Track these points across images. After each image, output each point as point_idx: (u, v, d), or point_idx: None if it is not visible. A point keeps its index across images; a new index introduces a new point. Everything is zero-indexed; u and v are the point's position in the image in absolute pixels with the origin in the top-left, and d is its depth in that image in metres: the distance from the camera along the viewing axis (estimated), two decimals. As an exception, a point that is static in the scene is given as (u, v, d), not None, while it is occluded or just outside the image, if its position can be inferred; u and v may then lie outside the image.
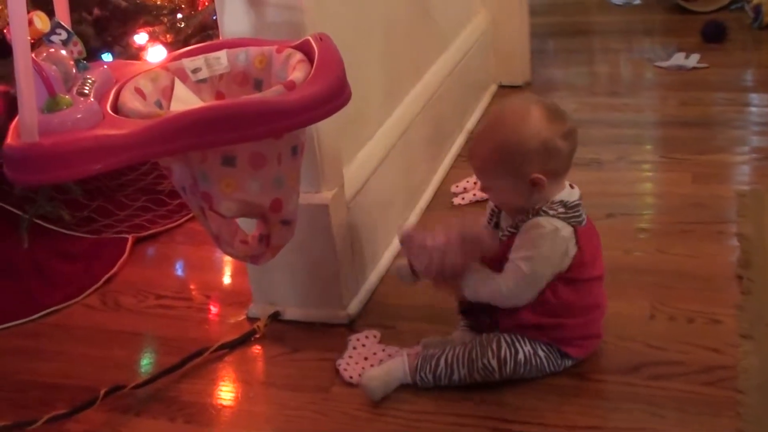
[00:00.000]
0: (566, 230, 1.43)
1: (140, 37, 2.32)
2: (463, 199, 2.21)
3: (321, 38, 1.41)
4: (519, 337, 1.49)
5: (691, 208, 2.04)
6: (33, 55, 1.14)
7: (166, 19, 2.36)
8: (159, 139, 1.18)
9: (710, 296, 1.69)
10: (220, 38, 1.62)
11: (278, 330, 1.75)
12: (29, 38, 1.13)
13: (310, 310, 1.76)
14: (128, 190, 2.38)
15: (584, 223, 1.46)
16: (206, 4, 2.41)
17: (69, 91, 1.24)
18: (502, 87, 3.05)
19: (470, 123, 2.68)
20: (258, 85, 1.46)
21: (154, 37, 2.32)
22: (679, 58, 3.09)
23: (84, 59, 1.38)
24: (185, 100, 1.39)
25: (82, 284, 2.02)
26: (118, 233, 2.22)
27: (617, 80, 3.18)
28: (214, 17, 2.14)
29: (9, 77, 1.86)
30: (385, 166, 1.93)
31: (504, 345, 1.49)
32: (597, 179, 2.24)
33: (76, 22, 2.07)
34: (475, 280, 1.48)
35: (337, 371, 1.59)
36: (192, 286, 2.02)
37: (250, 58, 1.46)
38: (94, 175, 1.18)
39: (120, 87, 1.32)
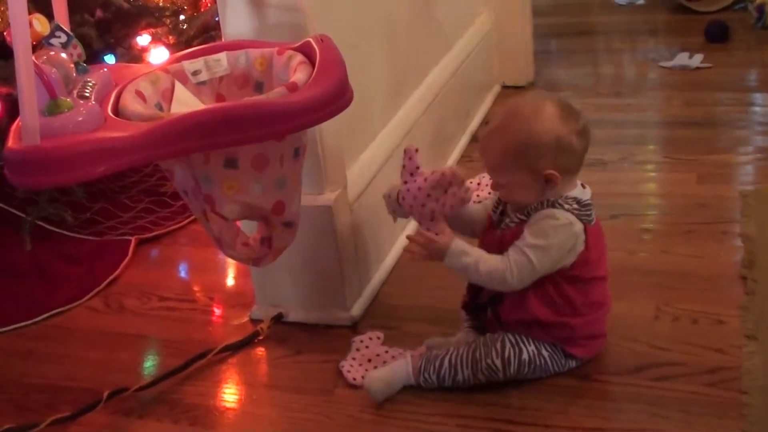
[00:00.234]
0: (578, 226, 1.43)
1: (143, 39, 2.33)
2: (466, 199, 2.20)
3: (322, 40, 1.41)
4: (523, 337, 1.49)
5: (695, 209, 2.03)
6: (33, 57, 1.13)
7: (168, 21, 2.36)
8: (162, 142, 1.18)
9: (714, 297, 1.69)
10: (222, 40, 1.62)
11: (281, 332, 1.75)
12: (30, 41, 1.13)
13: (314, 311, 1.76)
14: (131, 192, 2.38)
15: (594, 223, 1.46)
16: (208, 5, 2.42)
17: (69, 94, 1.23)
18: (505, 88, 3.05)
19: (473, 124, 2.67)
20: (259, 87, 1.46)
21: (156, 39, 2.32)
22: (682, 58, 3.09)
23: (84, 62, 1.37)
24: (185, 103, 1.39)
25: (85, 286, 2.02)
26: (121, 235, 2.22)
27: (621, 80, 3.17)
28: (217, 18, 2.14)
29: (10, 79, 1.87)
30: (389, 168, 1.93)
31: (508, 345, 1.48)
32: (601, 180, 2.23)
33: (78, 24, 2.09)
34: (478, 254, 1.46)
35: (340, 373, 1.59)
36: (195, 288, 2.01)
37: (251, 60, 1.46)
38: (96, 178, 1.18)
39: (120, 90, 1.32)
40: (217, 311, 1.90)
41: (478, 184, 2.23)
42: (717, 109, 2.67)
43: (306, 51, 1.41)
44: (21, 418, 1.58)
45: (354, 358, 1.62)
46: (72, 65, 1.30)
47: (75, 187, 2.23)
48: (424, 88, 2.27)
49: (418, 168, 1.49)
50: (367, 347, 1.65)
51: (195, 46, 1.57)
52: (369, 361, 1.61)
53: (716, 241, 1.89)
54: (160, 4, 2.37)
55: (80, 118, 1.16)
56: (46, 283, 2.05)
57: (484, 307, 1.56)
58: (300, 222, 1.49)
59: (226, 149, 1.28)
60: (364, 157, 1.85)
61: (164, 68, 1.43)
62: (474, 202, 2.14)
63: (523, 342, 1.48)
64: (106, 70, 1.37)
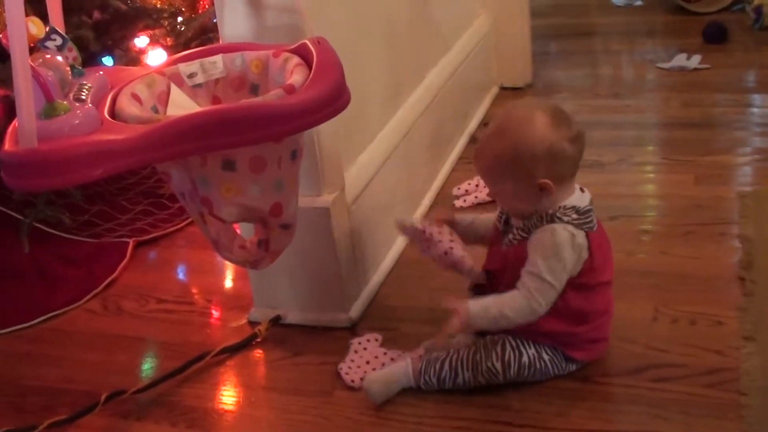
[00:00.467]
0: (580, 236, 1.42)
1: (141, 41, 2.32)
2: (464, 201, 2.20)
3: (318, 41, 1.41)
4: (523, 340, 1.48)
5: (693, 210, 2.03)
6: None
7: (166, 23, 2.36)
8: (159, 144, 1.18)
9: (712, 298, 1.69)
10: (220, 41, 1.62)
11: (280, 334, 1.75)
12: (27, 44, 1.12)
13: (312, 313, 1.76)
14: (129, 194, 2.38)
15: (595, 228, 1.45)
16: (206, 7, 2.41)
17: (66, 97, 1.23)
18: (503, 89, 3.05)
19: (472, 125, 2.67)
20: (254, 90, 1.46)
21: (154, 41, 2.32)
22: (680, 60, 3.09)
23: (79, 65, 1.37)
24: (181, 105, 1.39)
25: (83, 288, 2.02)
26: (119, 237, 2.22)
27: (619, 82, 3.17)
28: (215, 20, 2.14)
29: (6, 82, 1.87)
30: (387, 169, 1.93)
31: (508, 348, 1.48)
32: (599, 181, 2.23)
33: (75, 25, 2.09)
34: (497, 303, 1.44)
35: (338, 375, 1.59)
36: (193, 290, 2.01)
37: (247, 63, 1.46)
38: (93, 181, 1.18)
39: (116, 93, 1.32)
40: (215, 313, 1.90)
41: (477, 186, 2.23)
42: (715, 111, 2.67)
43: (302, 53, 1.41)
44: (18, 420, 1.57)
45: (352, 360, 1.62)
46: (68, 68, 1.29)
47: (73, 189, 2.22)
48: (422, 89, 2.26)
49: (429, 238, 1.52)
50: (365, 349, 1.64)
51: (193, 48, 1.56)
52: (367, 363, 1.60)
53: (714, 242, 1.89)
54: (158, 5, 2.36)
55: (77, 121, 1.16)
56: (44, 285, 2.05)
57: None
58: (297, 224, 1.48)
59: (224, 151, 1.28)
60: (362, 159, 1.85)
61: (160, 71, 1.43)
62: (473, 204, 2.16)
63: (524, 345, 1.48)
64: (101, 73, 1.37)
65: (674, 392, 1.45)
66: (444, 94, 2.39)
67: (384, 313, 1.78)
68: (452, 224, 1.58)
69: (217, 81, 1.46)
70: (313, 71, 1.33)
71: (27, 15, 1.17)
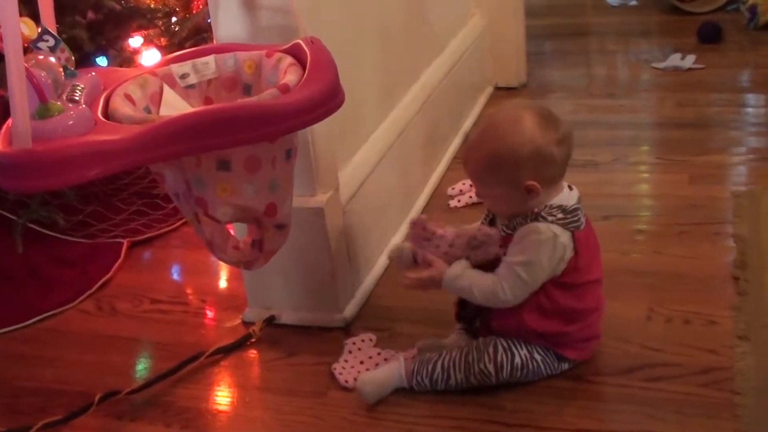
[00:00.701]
0: (564, 236, 1.42)
1: (135, 41, 2.32)
2: (459, 201, 2.21)
3: (312, 41, 1.41)
4: (515, 341, 1.48)
5: (688, 210, 2.03)
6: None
7: (160, 23, 2.35)
8: (155, 144, 1.18)
9: (707, 297, 1.69)
10: (214, 42, 1.62)
11: (274, 334, 1.75)
12: (22, 44, 1.12)
13: (306, 313, 1.76)
14: (123, 194, 2.38)
15: (583, 227, 1.45)
16: (200, 7, 2.41)
17: (59, 97, 1.23)
18: (498, 89, 3.05)
19: (466, 125, 2.67)
20: (247, 90, 1.46)
21: (148, 41, 2.32)
22: (675, 59, 3.09)
23: (72, 66, 1.37)
24: (174, 106, 1.39)
25: (77, 289, 2.02)
26: (113, 238, 2.22)
27: (614, 81, 3.18)
28: (209, 20, 2.14)
29: (1, 82, 1.86)
30: (381, 169, 1.92)
31: (500, 349, 1.48)
32: (593, 181, 2.24)
33: (69, 25, 2.08)
34: (471, 277, 1.46)
35: (333, 375, 1.59)
36: (188, 291, 2.01)
37: (239, 63, 1.46)
38: (88, 181, 1.18)
39: (109, 93, 1.32)
40: (210, 314, 1.90)
41: (471, 185, 2.23)
42: (709, 110, 2.68)
43: (295, 53, 1.41)
44: (13, 421, 1.57)
45: (346, 361, 1.62)
46: (61, 69, 1.29)
47: (67, 189, 2.22)
48: (416, 89, 2.26)
49: (434, 233, 1.51)
50: (359, 349, 1.64)
51: (187, 49, 1.56)
52: (361, 363, 1.60)
53: (709, 241, 1.90)
54: (152, 5, 2.36)
55: (71, 122, 1.16)
56: (38, 285, 2.04)
57: (474, 317, 1.55)
58: (292, 224, 1.48)
59: (219, 151, 1.28)
60: (356, 159, 1.85)
61: (152, 71, 1.43)
62: (467, 204, 2.16)
63: (516, 346, 1.48)
64: (94, 74, 1.37)
65: (668, 391, 1.45)
66: (438, 94, 2.39)
67: (378, 314, 1.78)
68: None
69: (209, 82, 1.46)
70: (307, 71, 1.33)
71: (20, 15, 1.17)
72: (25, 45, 1.30)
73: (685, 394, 1.45)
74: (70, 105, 1.20)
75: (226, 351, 1.71)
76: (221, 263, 2.04)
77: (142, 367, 1.74)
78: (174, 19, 2.39)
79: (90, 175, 1.14)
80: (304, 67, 1.36)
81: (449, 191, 2.27)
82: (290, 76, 1.33)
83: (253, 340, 1.73)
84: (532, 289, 1.43)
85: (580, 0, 4.32)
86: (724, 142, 2.42)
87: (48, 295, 2.00)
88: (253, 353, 1.72)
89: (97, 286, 2.03)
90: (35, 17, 1.34)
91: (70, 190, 2.23)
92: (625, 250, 1.89)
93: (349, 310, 1.76)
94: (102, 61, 2.24)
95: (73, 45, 1.98)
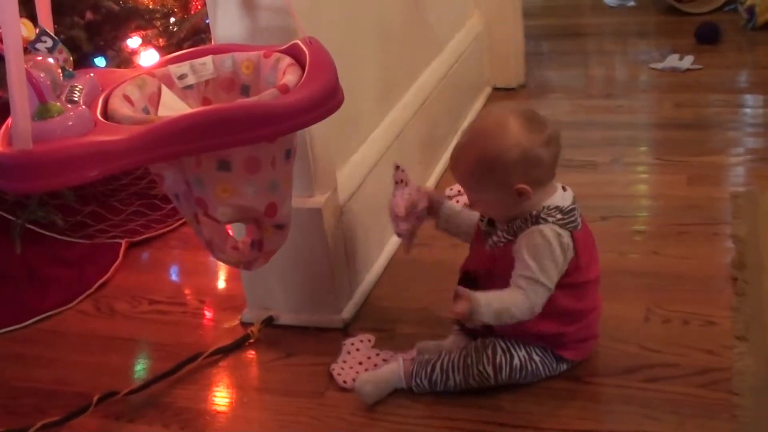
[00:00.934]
0: (566, 236, 1.42)
1: (133, 41, 2.32)
2: (457, 201, 2.19)
3: (310, 42, 1.41)
4: (514, 342, 1.48)
5: (686, 210, 2.03)
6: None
7: (158, 23, 2.35)
8: (155, 144, 1.18)
9: (705, 298, 1.69)
10: (213, 42, 1.62)
11: (272, 335, 1.75)
12: (22, 45, 1.12)
13: (304, 314, 1.76)
14: (121, 195, 2.37)
15: (580, 227, 1.45)
16: (199, 8, 2.41)
17: (58, 98, 1.23)
18: (496, 90, 3.05)
19: (465, 126, 2.67)
20: (245, 91, 1.46)
21: (146, 41, 2.32)
22: (673, 60, 3.09)
23: (70, 67, 1.37)
24: (172, 107, 1.39)
25: (75, 290, 2.02)
26: (112, 238, 2.22)
27: (612, 82, 3.18)
28: (207, 21, 2.14)
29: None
30: (379, 170, 1.92)
31: (499, 351, 1.48)
32: (592, 181, 2.24)
33: (68, 26, 2.08)
34: (501, 299, 1.41)
35: (331, 376, 1.59)
36: (186, 291, 2.01)
37: (237, 64, 1.46)
38: (88, 182, 1.18)
39: (107, 94, 1.31)
40: (208, 314, 1.90)
41: (459, 191, 2.22)
42: (708, 111, 2.68)
43: (294, 53, 1.41)
44: (10, 422, 1.57)
45: (345, 361, 1.62)
46: (59, 70, 1.29)
47: (65, 190, 2.22)
48: (414, 90, 2.27)
49: (397, 183, 1.57)
50: (357, 350, 1.64)
51: (185, 49, 1.56)
52: (360, 363, 1.60)
53: (707, 242, 1.90)
54: (150, 6, 2.36)
55: (70, 123, 1.16)
56: (36, 286, 2.04)
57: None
58: (291, 224, 1.48)
59: (219, 152, 1.28)
60: (354, 160, 1.85)
61: (150, 72, 1.43)
62: (466, 204, 2.15)
63: (514, 347, 1.48)
64: (92, 75, 1.37)
65: (666, 392, 1.45)
66: (437, 95, 2.39)
67: (377, 314, 1.78)
68: (439, 205, 1.60)
69: (207, 82, 1.46)
70: (306, 71, 1.33)
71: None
72: (24, 46, 1.30)
73: (683, 394, 1.45)
74: (69, 106, 1.20)
75: (225, 352, 1.71)
76: (220, 264, 2.05)
77: (140, 368, 1.74)
78: (172, 19, 2.39)
79: (91, 176, 1.14)
80: (302, 68, 1.36)
81: (448, 191, 2.26)
82: (289, 76, 1.33)
83: (252, 340, 1.73)
84: (551, 292, 1.42)
85: (579, 1, 4.32)
86: (722, 142, 2.42)
87: (46, 295, 2.00)
88: (251, 354, 1.71)
89: (95, 286, 2.03)
90: (33, 18, 1.34)
91: (69, 191, 2.23)
92: (623, 251, 1.89)
93: (348, 310, 1.76)
94: (100, 61, 2.24)
95: (72, 46, 1.99)
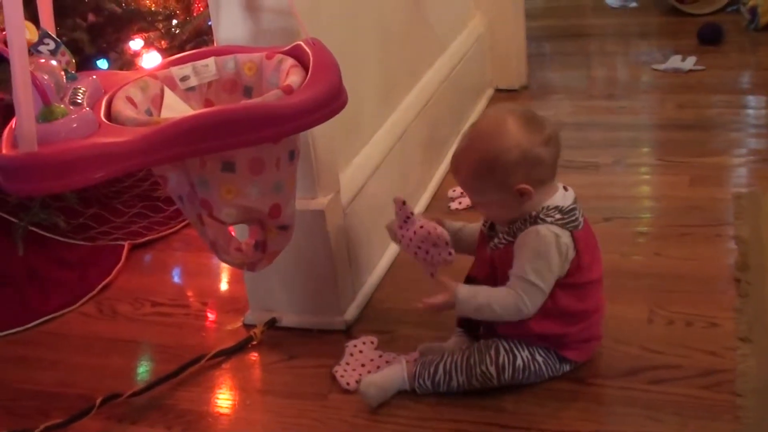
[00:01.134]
0: (565, 236, 1.42)
1: (135, 44, 2.32)
2: (459, 203, 2.20)
3: (313, 43, 1.41)
4: (517, 343, 1.48)
5: (689, 211, 2.03)
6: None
7: (161, 25, 2.35)
8: (161, 146, 1.18)
9: (708, 299, 1.69)
10: (215, 44, 1.62)
11: (275, 337, 1.75)
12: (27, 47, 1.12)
13: (307, 316, 1.76)
14: (124, 197, 2.37)
15: (581, 226, 1.45)
16: (201, 9, 2.41)
17: (61, 100, 1.23)
18: (498, 91, 3.05)
19: (467, 127, 2.67)
20: (248, 92, 1.46)
21: (149, 43, 2.32)
22: (675, 61, 3.09)
23: (73, 69, 1.37)
24: (175, 109, 1.39)
25: (78, 292, 2.02)
26: (114, 240, 2.22)
27: (614, 83, 3.18)
28: (209, 23, 2.14)
29: (2, 84, 1.86)
30: (382, 171, 1.92)
31: (502, 351, 1.48)
32: (594, 182, 2.24)
33: (70, 28, 2.08)
34: (488, 294, 1.45)
35: (334, 378, 1.59)
36: (189, 293, 2.01)
37: (239, 65, 1.46)
38: (93, 184, 1.18)
39: (110, 96, 1.31)
40: (211, 316, 1.90)
41: (461, 192, 2.22)
42: (710, 112, 2.68)
43: (296, 54, 1.41)
44: (13, 425, 1.57)
45: (347, 363, 1.62)
46: (62, 72, 1.29)
47: (68, 192, 2.22)
48: (417, 91, 2.27)
49: (408, 217, 1.51)
50: (360, 352, 1.64)
51: (187, 51, 1.56)
52: (362, 365, 1.60)
53: (710, 243, 1.89)
54: (153, 8, 2.36)
55: (75, 125, 1.16)
56: (38, 288, 2.04)
57: (477, 324, 1.56)
58: (295, 225, 1.48)
59: (223, 153, 1.28)
60: (357, 162, 1.85)
61: (153, 74, 1.43)
62: (468, 206, 2.16)
63: (517, 348, 1.48)
64: (94, 77, 1.37)
65: (669, 394, 1.45)
66: (439, 96, 2.39)
67: (379, 316, 1.78)
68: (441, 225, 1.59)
69: (209, 84, 1.46)
70: (310, 72, 1.33)
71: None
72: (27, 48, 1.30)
73: (686, 396, 1.44)
74: (73, 108, 1.20)
75: (228, 354, 1.71)
76: (222, 266, 2.05)
77: (143, 370, 1.74)
78: (174, 21, 2.39)
79: (96, 177, 1.14)
80: (305, 69, 1.36)
81: (450, 193, 2.27)
82: (293, 77, 1.33)
83: (254, 342, 1.73)
84: (546, 294, 1.43)
85: (581, 2, 4.33)
86: (724, 143, 2.42)
87: (48, 297, 2.00)
88: (254, 356, 1.71)
89: (97, 288, 2.03)
90: (34, 20, 1.34)
91: (71, 193, 2.23)
92: (625, 252, 1.89)
93: (350, 312, 1.76)
94: (102, 64, 2.24)
95: (74, 48, 1.99)
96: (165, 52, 2.29)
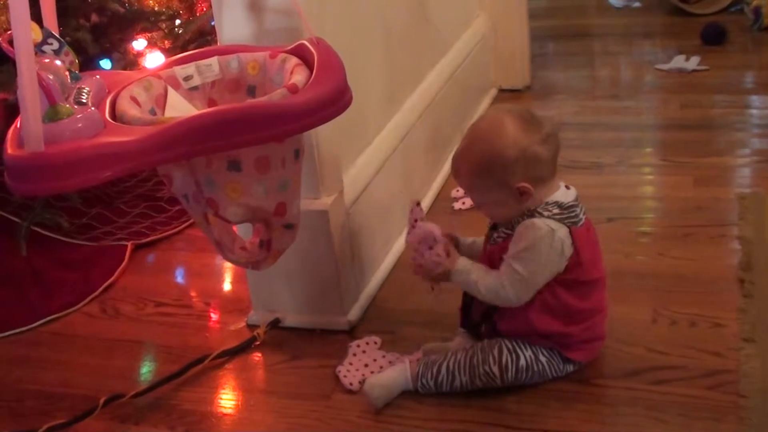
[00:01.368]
0: (562, 231, 1.42)
1: (138, 44, 2.32)
2: (463, 203, 2.20)
3: (318, 42, 1.41)
4: (520, 343, 1.48)
5: (692, 212, 2.03)
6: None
7: (164, 25, 2.35)
8: (169, 145, 1.18)
9: (712, 300, 1.68)
10: (218, 44, 1.62)
11: (278, 337, 1.75)
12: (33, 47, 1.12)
13: (310, 316, 1.76)
14: (127, 197, 2.38)
15: (581, 224, 1.45)
16: (204, 9, 2.41)
17: (66, 100, 1.23)
18: (502, 91, 3.05)
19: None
20: (251, 91, 1.46)
21: (152, 43, 2.32)
22: (679, 61, 3.09)
23: (77, 69, 1.37)
24: (179, 108, 1.39)
25: (80, 292, 2.02)
26: (117, 240, 2.22)
27: (617, 83, 3.17)
28: (213, 23, 2.14)
29: (5, 85, 1.86)
30: (385, 172, 1.92)
31: (505, 351, 1.48)
32: (597, 183, 2.24)
33: (73, 28, 2.08)
34: (478, 273, 1.47)
35: (337, 378, 1.59)
36: (192, 294, 2.01)
37: (243, 64, 1.46)
38: (100, 184, 1.17)
39: (114, 96, 1.31)
40: (214, 317, 1.90)
41: (465, 193, 2.22)
42: (714, 112, 2.67)
43: (300, 53, 1.41)
44: (16, 425, 1.57)
45: (351, 363, 1.61)
46: (66, 72, 1.29)
47: (72, 192, 2.22)
48: (420, 91, 2.26)
49: (416, 220, 1.54)
50: (364, 352, 1.64)
51: (190, 51, 1.56)
52: (366, 366, 1.60)
53: (713, 244, 1.89)
54: (156, 8, 2.36)
55: (80, 124, 1.15)
56: (41, 288, 2.04)
57: (479, 323, 1.55)
58: (300, 224, 1.48)
59: (230, 152, 1.28)
60: (360, 162, 1.85)
61: (156, 74, 1.43)
62: (471, 206, 2.16)
63: (521, 348, 1.48)
64: (98, 77, 1.37)
65: (673, 394, 1.45)
66: (442, 96, 2.39)
67: (383, 316, 1.78)
68: (455, 242, 1.60)
69: (213, 83, 1.46)
70: (315, 70, 1.34)
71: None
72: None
73: (690, 397, 1.44)
74: (78, 107, 1.20)
75: (231, 354, 1.71)
76: (225, 266, 2.05)
77: (146, 370, 1.74)
78: (178, 21, 2.39)
79: (104, 177, 1.14)
80: (309, 68, 1.36)
81: (453, 194, 2.27)
82: (297, 76, 1.33)
83: (258, 343, 1.73)
84: (533, 286, 1.43)
85: (584, 2, 4.32)
86: (728, 143, 2.42)
87: (51, 298, 2.00)
88: (257, 356, 1.71)
89: (101, 289, 2.03)
90: (37, 20, 1.34)
91: (74, 193, 2.23)
92: (629, 253, 1.89)
93: (354, 312, 1.76)
94: (106, 64, 2.24)
95: (77, 48, 1.98)
96: (168, 52, 2.29)
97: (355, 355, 1.64)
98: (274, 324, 1.76)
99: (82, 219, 2.27)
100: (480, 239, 1.60)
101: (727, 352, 1.53)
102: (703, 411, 1.40)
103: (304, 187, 1.50)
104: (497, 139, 1.43)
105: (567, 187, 1.48)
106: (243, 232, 1.56)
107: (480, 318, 1.54)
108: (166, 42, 2.34)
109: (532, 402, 1.48)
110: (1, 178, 1.21)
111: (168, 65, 1.47)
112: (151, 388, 1.61)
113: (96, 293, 2.02)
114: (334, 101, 1.31)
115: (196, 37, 2.38)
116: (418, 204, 1.55)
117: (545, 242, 1.41)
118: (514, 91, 3.04)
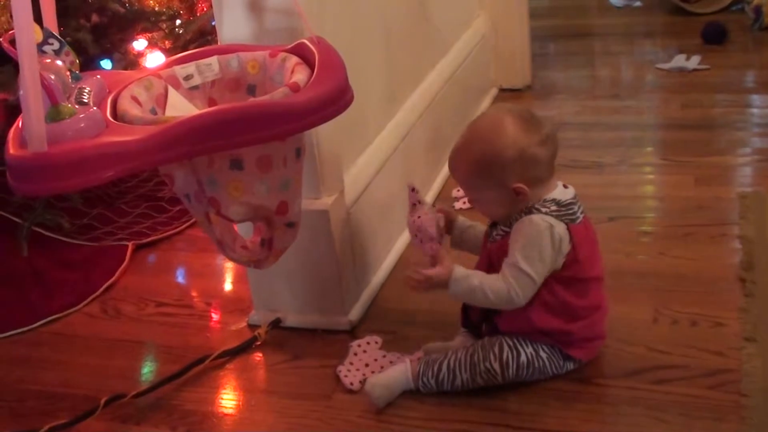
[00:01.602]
0: (560, 227, 1.42)
1: (139, 44, 2.32)
2: (464, 203, 2.20)
3: (318, 41, 1.41)
4: (521, 339, 1.48)
5: (693, 211, 2.03)
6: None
7: (164, 25, 2.35)
8: (171, 144, 1.18)
9: (713, 299, 1.68)
10: (219, 44, 1.62)
11: (279, 337, 1.75)
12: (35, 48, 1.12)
13: (311, 316, 1.76)
14: (128, 197, 2.38)
15: (578, 221, 1.45)
16: (204, 9, 2.41)
17: (67, 100, 1.23)
18: (502, 91, 3.05)
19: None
20: (251, 90, 1.46)
21: (152, 44, 2.32)
22: (680, 60, 3.09)
23: (77, 69, 1.37)
24: (179, 108, 1.39)
25: (81, 292, 2.02)
26: (118, 240, 2.22)
27: (618, 83, 3.17)
28: (213, 23, 2.14)
29: (6, 85, 1.86)
30: (386, 171, 1.92)
31: (506, 348, 1.48)
32: (598, 182, 2.24)
33: (74, 29, 2.08)
34: (481, 277, 1.46)
35: (338, 378, 1.58)
36: (193, 294, 2.01)
37: (243, 64, 1.46)
38: (102, 183, 1.17)
39: (115, 96, 1.31)
40: (215, 317, 1.90)
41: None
42: (714, 111, 2.67)
43: (300, 52, 1.41)
44: (17, 425, 1.57)
45: (351, 363, 1.61)
46: (68, 72, 1.29)
47: (74, 192, 2.22)
48: (420, 91, 2.26)
49: (415, 204, 1.54)
50: (365, 352, 1.64)
51: (190, 51, 1.56)
52: (367, 366, 1.60)
53: (714, 243, 1.89)
54: (156, 8, 2.36)
55: (83, 124, 1.15)
56: (42, 289, 2.04)
57: (480, 323, 1.55)
58: (301, 223, 1.48)
59: (232, 151, 1.28)
60: (361, 162, 1.85)
61: (156, 73, 1.43)
62: (462, 208, 2.16)
63: (521, 344, 1.48)
64: (98, 77, 1.37)
65: (674, 394, 1.45)
66: (443, 96, 2.39)
67: (384, 316, 1.78)
68: (451, 221, 1.61)
69: (213, 83, 1.46)
70: (316, 69, 1.34)
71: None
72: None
73: (691, 396, 1.44)
74: (79, 107, 1.20)
75: (232, 354, 1.71)
76: (226, 266, 2.05)
77: (147, 370, 1.74)
78: (178, 21, 2.39)
79: (107, 176, 1.14)
80: (309, 67, 1.36)
81: (454, 193, 2.27)
82: (298, 75, 1.33)
83: (259, 343, 1.73)
84: (538, 284, 1.43)
85: (584, 1, 4.32)
86: (729, 143, 2.42)
87: (52, 298, 2.00)
88: (258, 356, 1.71)
89: (102, 289, 2.03)
90: (37, 20, 1.34)
91: (75, 193, 2.23)
92: (630, 252, 1.89)
93: (355, 312, 1.76)
94: (106, 64, 2.24)
95: (78, 48, 1.98)
96: (169, 52, 2.30)
97: (356, 354, 1.64)
98: (275, 324, 1.76)
99: (83, 219, 2.27)
100: (480, 226, 1.60)
101: (728, 352, 1.53)
102: (705, 410, 1.40)
103: (304, 187, 1.50)
104: (497, 138, 1.43)
105: (565, 186, 1.48)
106: (244, 231, 1.56)
107: (481, 317, 1.54)
108: (166, 42, 2.34)
109: (533, 401, 1.48)
110: (2, 179, 1.21)
111: (168, 65, 1.48)
112: (152, 388, 1.61)
113: (97, 293, 2.02)
114: (336, 100, 1.31)
115: (197, 37, 2.38)
116: (414, 189, 1.54)
117: (546, 238, 1.41)
118: (514, 91, 3.04)
